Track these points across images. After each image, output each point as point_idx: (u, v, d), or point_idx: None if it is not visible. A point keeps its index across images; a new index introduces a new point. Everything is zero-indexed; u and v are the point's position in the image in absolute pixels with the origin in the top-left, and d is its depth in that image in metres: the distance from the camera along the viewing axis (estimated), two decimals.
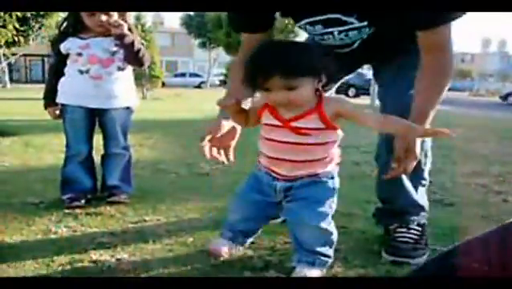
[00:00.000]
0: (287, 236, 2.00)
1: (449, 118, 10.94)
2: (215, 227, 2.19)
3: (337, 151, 1.68)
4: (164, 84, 17.91)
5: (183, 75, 39.50)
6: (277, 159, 1.60)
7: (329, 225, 1.66)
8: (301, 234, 1.66)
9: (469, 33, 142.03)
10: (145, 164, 3.76)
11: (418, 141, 1.70)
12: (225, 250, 1.84)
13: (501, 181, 3.54)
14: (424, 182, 2.08)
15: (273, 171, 1.65)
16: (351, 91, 22.10)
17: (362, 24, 1.73)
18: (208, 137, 1.83)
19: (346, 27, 1.76)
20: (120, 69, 2.58)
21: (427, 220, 2.11)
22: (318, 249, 1.66)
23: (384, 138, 2.01)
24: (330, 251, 1.70)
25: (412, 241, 1.98)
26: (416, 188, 2.05)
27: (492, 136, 6.90)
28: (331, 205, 1.67)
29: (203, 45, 35.26)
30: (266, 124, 1.60)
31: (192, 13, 20.25)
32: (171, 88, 19.15)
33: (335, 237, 1.69)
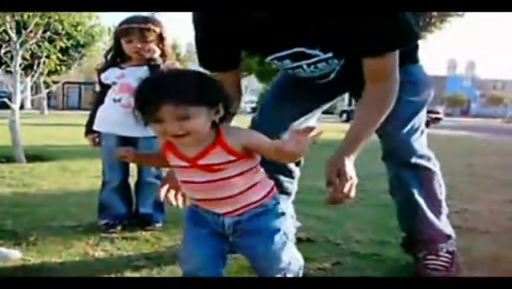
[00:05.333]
0: None
1: (482, 145, 10.77)
2: None
3: (263, 172, 1.54)
4: None
5: None
6: (207, 200, 1.48)
7: (288, 253, 1.52)
8: (261, 266, 1.56)
9: (499, 60, 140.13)
10: None
11: (350, 164, 1.65)
12: None
13: None
14: (444, 211, 2.07)
15: (210, 210, 1.53)
16: (344, 116, 24.14)
17: (328, 56, 1.75)
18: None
19: (313, 60, 1.78)
20: None
21: (461, 248, 2.09)
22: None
23: (395, 175, 2.03)
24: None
25: (442, 268, 1.95)
26: (438, 218, 2.03)
27: None
28: (286, 232, 1.52)
29: None
30: (175, 166, 1.48)
31: None
32: None
33: (295, 266, 1.56)
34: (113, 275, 1.96)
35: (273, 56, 1.83)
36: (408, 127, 1.94)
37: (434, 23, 12.91)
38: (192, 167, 1.41)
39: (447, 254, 2.01)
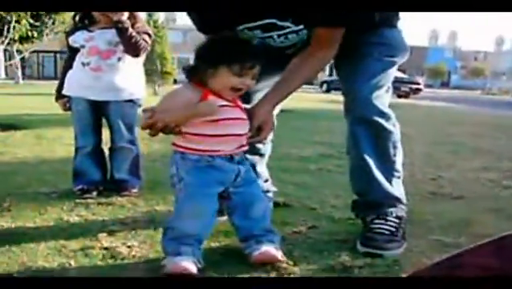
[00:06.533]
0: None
1: (461, 115, 10.90)
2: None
3: None
4: (176, 81, 17.82)
5: None
6: (227, 135, 1.70)
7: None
8: (258, 212, 1.78)
9: (482, 31, 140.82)
10: (156, 156, 3.77)
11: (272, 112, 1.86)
12: (194, 269, 1.61)
13: (510, 176, 3.52)
14: (397, 174, 2.05)
15: (218, 151, 1.70)
16: (324, 87, 25.42)
17: (299, 27, 1.82)
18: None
19: (284, 31, 1.85)
20: (122, 60, 2.58)
21: (435, 212, 2.11)
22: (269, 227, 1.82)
23: (351, 132, 2.01)
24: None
25: (388, 232, 1.93)
26: (389, 180, 2.02)
27: (502, 133, 6.86)
28: None
29: None
30: (221, 106, 1.67)
31: None
32: None
33: None
34: (88, 240, 1.95)
35: (243, 26, 1.86)
36: (372, 82, 1.94)
37: None
38: (234, 107, 1.70)
39: (395, 219, 1.99)
